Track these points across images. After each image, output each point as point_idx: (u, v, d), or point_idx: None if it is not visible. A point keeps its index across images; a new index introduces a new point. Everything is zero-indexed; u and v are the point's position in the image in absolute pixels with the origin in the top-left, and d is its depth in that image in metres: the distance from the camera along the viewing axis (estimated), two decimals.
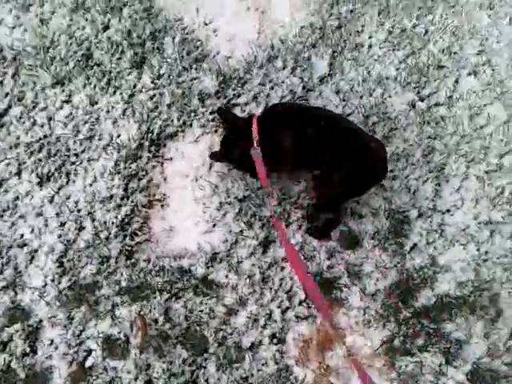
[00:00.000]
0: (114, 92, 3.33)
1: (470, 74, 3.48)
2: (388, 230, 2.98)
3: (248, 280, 2.81)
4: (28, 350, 2.66)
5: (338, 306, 2.82)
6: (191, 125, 3.25)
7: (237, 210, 2.98)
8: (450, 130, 3.29)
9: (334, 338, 2.70)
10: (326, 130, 2.56)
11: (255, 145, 2.61)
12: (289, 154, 2.58)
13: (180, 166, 3.18)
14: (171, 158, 3.20)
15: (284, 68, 3.47)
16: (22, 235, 2.91)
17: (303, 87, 3.41)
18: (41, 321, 2.72)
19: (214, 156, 2.98)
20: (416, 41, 3.58)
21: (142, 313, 2.70)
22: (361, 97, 3.44)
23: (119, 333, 2.68)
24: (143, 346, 2.62)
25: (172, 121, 3.25)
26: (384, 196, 3.07)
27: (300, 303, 2.80)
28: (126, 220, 2.96)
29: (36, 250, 2.88)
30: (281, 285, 2.82)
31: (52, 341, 2.68)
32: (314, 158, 2.65)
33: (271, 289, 2.81)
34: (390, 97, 3.45)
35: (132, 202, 3.01)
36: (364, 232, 2.97)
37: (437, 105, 3.39)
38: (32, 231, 2.92)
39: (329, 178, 2.63)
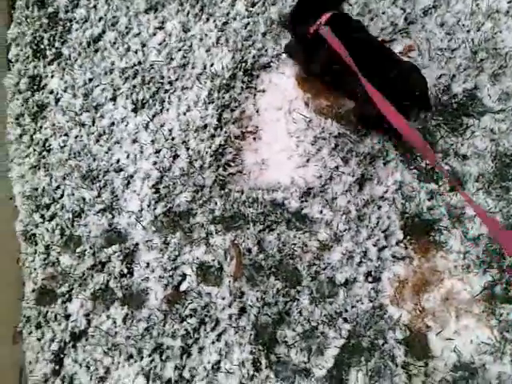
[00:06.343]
0: (207, 19, 3.18)
1: None
2: (493, 174, 2.75)
3: (343, 216, 2.68)
4: (125, 271, 2.67)
5: (437, 249, 2.64)
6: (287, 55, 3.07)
7: (332, 146, 2.82)
8: None
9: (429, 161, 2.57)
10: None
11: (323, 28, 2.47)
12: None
13: (273, 98, 3.02)
14: (264, 90, 3.05)
15: None
16: (118, 160, 2.89)
17: (405, 19, 3.14)
18: (137, 244, 2.72)
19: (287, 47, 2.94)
20: None
21: (236, 242, 2.64)
22: (468, 31, 3.13)
23: (213, 260, 2.64)
24: (237, 275, 2.58)
25: (266, 51, 3.08)
26: (491, 137, 2.82)
27: (397, 243, 2.64)
28: (220, 150, 2.87)
29: (132, 176, 2.85)
30: (377, 223, 2.67)
31: (148, 264, 2.67)
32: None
33: (367, 226, 2.67)
34: (500, 32, 3.11)
35: (225, 132, 2.91)
36: (468, 174, 2.75)
37: None
38: (128, 157, 2.89)
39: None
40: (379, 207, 2.71)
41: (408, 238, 2.67)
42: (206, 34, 3.14)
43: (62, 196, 2.85)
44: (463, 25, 3.11)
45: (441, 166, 2.56)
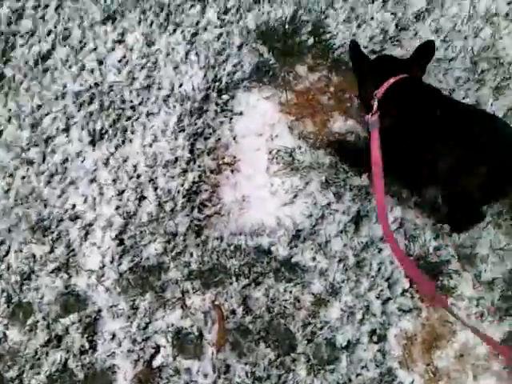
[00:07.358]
0: (174, 30, 2.77)
1: None
2: (502, 205, 2.44)
3: (340, 264, 2.31)
4: (87, 345, 2.21)
5: (446, 296, 2.32)
6: (266, 72, 2.66)
7: (323, 178, 2.44)
8: None
9: (437, 303, 2.24)
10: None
11: (374, 110, 2.02)
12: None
13: (252, 122, 2.64)
14: (241, 113, 2.65)
15: (373, 1, 2.86)
16: (73, 206, 2.42)
17: (396, 25, 2.82)
18: (100, 310, 2.26)
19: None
20: None
21: (217, 302, 2.24)
22: (465, 37, 2.85)
23: (192, 326, 2.22)
24: (220, 343, 2.18)
25: (242, 66, 2.67)
26: None
27: (403, 293, 2.30)
28: (193, 188, 2.46)
29: (91, 224, 2.39)
30: (379, 270, 2.32)
31: (114, 335, 2.23)
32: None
33: (368, 275, 2.32)
34: (501, 38, 2.84)
35: (199, 166, 2.50)
36: None
37: None
38: (85, 201, 2.42)
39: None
40: (380, 250, 2.37)
41: (414, 285, 2.32)
42: (173, 48, 2.73)
43: (7, 253, 2.37)
44: (459, 31, 2.83)
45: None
